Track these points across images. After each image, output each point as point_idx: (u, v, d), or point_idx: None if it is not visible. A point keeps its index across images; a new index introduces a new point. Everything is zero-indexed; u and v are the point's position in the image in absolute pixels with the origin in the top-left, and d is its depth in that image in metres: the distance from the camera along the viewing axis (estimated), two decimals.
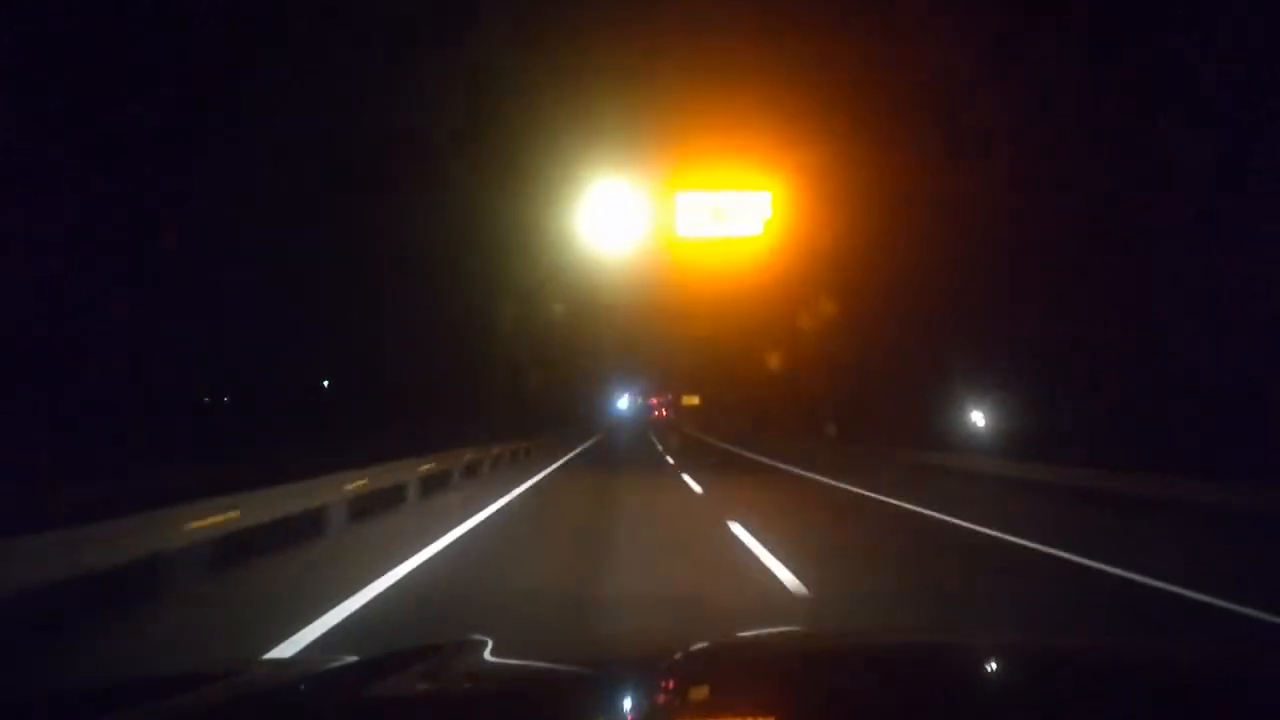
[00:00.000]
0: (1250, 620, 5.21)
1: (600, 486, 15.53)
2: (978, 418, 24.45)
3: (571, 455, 26.59)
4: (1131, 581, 6.47)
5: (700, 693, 1.75)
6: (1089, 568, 7.08)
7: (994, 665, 1.94)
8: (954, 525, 9.86)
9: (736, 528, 9.04)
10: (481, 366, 35.27)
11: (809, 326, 36.22)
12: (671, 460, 24.18)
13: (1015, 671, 1.86)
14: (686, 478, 16.75)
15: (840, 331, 33.25)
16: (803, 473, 18.90)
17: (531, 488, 14.93)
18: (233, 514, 6.47)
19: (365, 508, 9.93)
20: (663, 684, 1.78)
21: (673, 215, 21.44)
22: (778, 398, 48.89)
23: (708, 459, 25.92)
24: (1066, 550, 7.72)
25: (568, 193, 22.45)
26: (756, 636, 2.60)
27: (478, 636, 2.13)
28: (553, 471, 19.25)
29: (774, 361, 46.87)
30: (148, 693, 1.75)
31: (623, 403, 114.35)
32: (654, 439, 44.72)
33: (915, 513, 11.12)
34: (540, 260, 34.27)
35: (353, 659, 1.95)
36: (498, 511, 11.07)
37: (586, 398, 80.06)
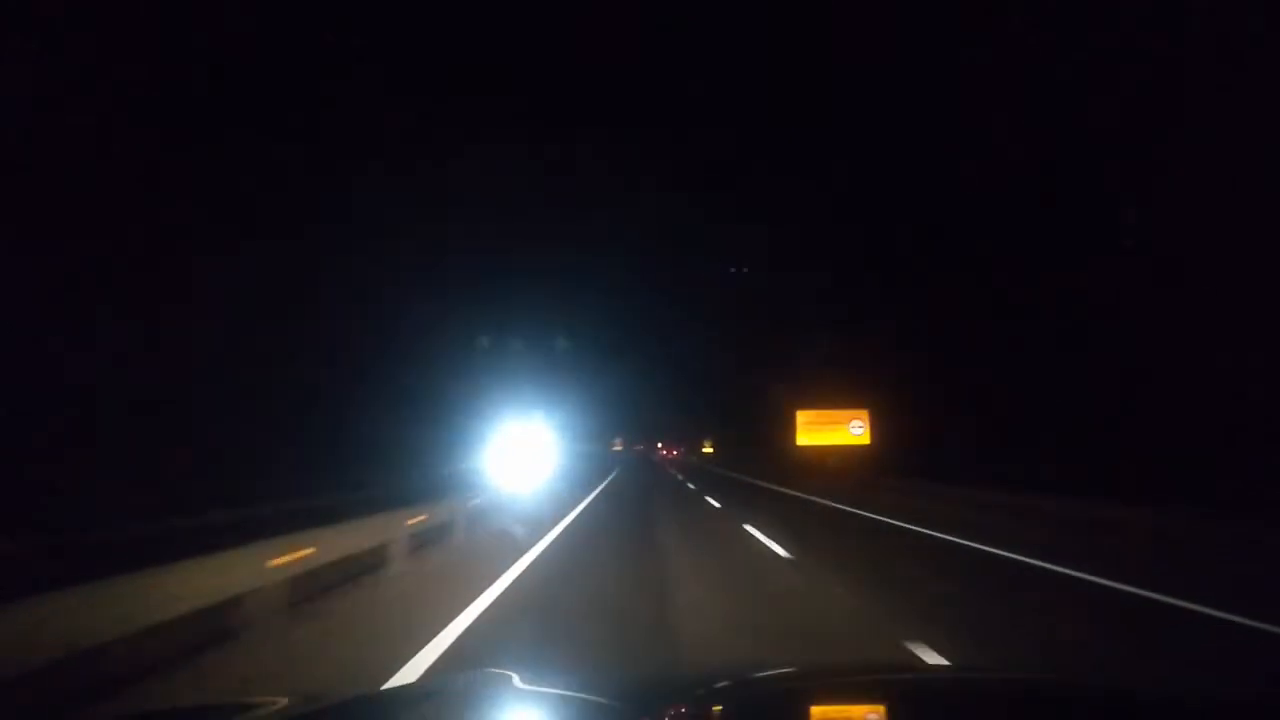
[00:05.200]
0: None
1: None
2: None
3: None
4: None
5: None
6: None
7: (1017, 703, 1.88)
8: None
9: None
10: None
11: None
12: None
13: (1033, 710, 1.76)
14: None
15: None
16: None
17: None
18: None
19: None
20: (683, 715, 1.77)
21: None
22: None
23: None
24: None
25: None
26: (780, 674, 2.57)
27: (503, 670, 2.15)
28: None
29: None
30: None
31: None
32: None
33: None
34: None
35: (378, 691, 2.02)
36: None
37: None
